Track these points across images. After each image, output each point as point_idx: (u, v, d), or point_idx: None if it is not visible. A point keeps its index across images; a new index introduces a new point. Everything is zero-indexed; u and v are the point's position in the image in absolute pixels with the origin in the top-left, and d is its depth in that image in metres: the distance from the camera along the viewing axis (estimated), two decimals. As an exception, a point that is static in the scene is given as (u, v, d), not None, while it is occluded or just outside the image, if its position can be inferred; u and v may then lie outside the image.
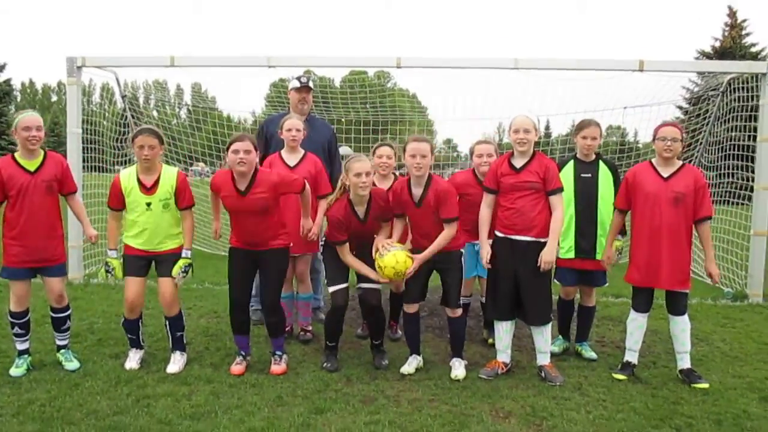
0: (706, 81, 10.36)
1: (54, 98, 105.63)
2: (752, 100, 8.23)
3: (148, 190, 4.78)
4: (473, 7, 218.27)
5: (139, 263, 4.84)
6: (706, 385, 4.61)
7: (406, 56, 7.76)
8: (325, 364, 4.93)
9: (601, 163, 5.22)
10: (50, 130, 69.01)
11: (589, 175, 5.17)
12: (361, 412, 4.04)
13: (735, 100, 8.74)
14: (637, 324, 4.87)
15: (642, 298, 4.85)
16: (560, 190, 4.67)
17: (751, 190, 8.19)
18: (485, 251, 4.82)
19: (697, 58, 35.31)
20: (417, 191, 4.76)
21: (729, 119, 9.06)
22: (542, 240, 4.63)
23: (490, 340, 5.37)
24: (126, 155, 10.17)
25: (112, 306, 6.54)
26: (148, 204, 4.77)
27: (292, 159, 5.56)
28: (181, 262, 4.80)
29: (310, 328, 5.82)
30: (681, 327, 4.77)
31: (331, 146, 6.34)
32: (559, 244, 4.98)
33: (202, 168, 19.10)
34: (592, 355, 5.34)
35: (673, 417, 4.07)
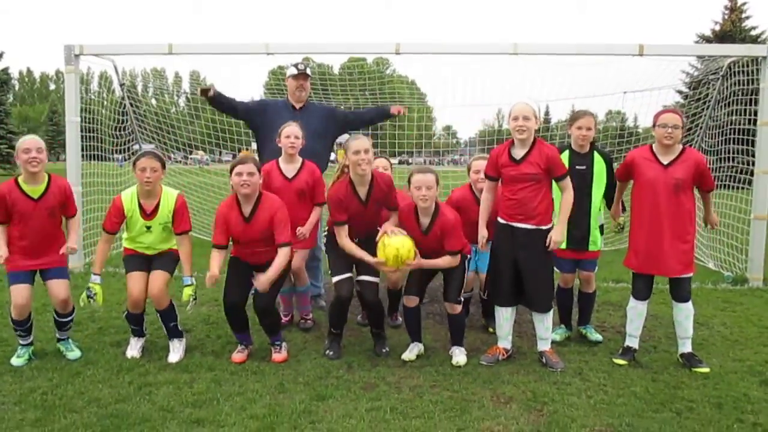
0: (706, 65, 10.31)
1: (52, 87, 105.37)
2: (752, 83, 8.18)
3: (148, 215, 4.82)
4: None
5: (139, 259, 4.89)
6: (706, 369, 4.62)
7: (405, 42, 7.70)
8: (327, 351, 4.94)
9: (596, 154, 5.21)
10: (49, 119, 69.32)
11: (584, 167, 5.17)
12: (362, 399, 4.05)
13: (735, 83, 8.69)
14: (636, 311, 4.87)
15: (641, 285, 4.85)
16: (566, 174, 4.67)
17: (752, 174, 8.17)
18: (482, 234, 4.82)
19: (696, 42, 35.20)
20: (424, 221, 4.76)
21: (729, 103, 9.01)
22: (543, 227, 4.63)
23: (491, 329, 5.39)
24: (125, 143, 10.15)
25: (113, 294, 6.54)
26: (148, 227, 4.84)
27: (290, 170, 5.45)
28: (188, 291, 4.79)
29: (310, 315, 5.83)
30: (684, 314, 4.76)
31: (330, 120, 6.37)
32: None
33: (201, 156, 19.07)
34: (598, 337, 5.37)
35: (674, 401, 4.08)
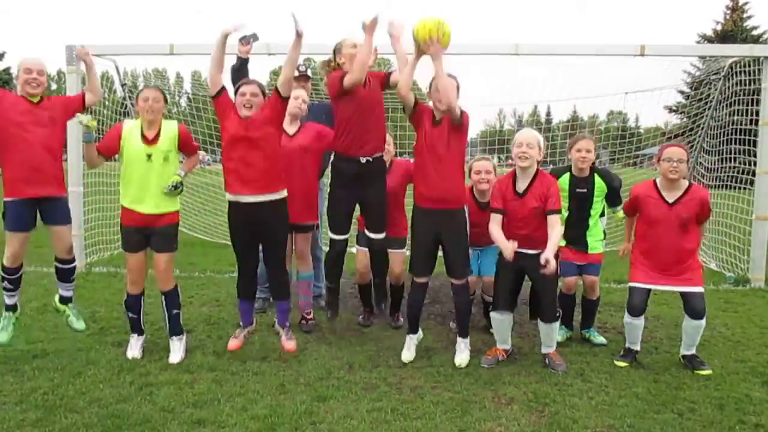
0: (708, 65, 10.31)
1: (54, 87, 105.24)
2: (754, 83, 8.17)
3: (150, 141, 4.74)
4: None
5: (137, 237, 4.79)
6: (709, 372, 4.60)
7: (406, 43, 7.67)
8: (328, 313, 5.23)
9: (596, 177, 5.21)
10: (50, 119, 69.28)
11: (585, 189, 5.19)
12: (363, 400, 4.05)
13: (737, 83, 8.68)
14: (633, 325, 4.83)
15: (636, 300, 4.76)
16: (559, 211, 4.65)
17: (753, 174, 8.15)
18: (509, 248, 4.61)
19: (698, 42, 35.21)
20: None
21: (731, 103, 9.00)
22: None
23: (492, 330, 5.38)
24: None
25: (115, 294, 6.54)
26: (149, 155, 4.71)
27: (291, 128, 5.48)
28: (173, 179, 4.73)
29: (311, 315, 5.82)
30: (695, 329, 4.71)
31: (332, 119, 6.34)
32: None
33: (202, 156, 19.07)
34: (602, 340, 5.35)
35: (675, 402, 4.08)
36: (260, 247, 4.90)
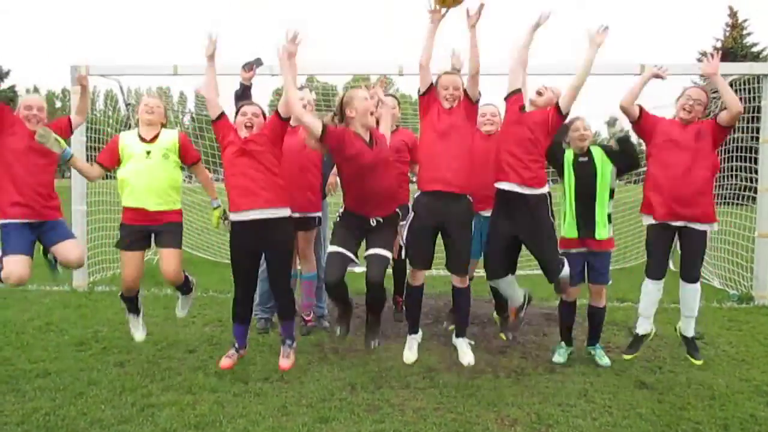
0: (708, 82, 10.31)
1: (58, 104, 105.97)
2: (754, 101, 8.20)
3: (148, 141, 4.82)
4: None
5: (138, 236, 4.83)
6: (700, 362, 4.68)
7: (408, 63, 7.72)
8: (338, 330, 5.10)
9: (591, 147, 5.16)
10: (54, 137, 69.62)
11: (586, 158, 5.14)
12: (365, 421, 4.03)
13: (737, 101, 8.70)
14: (649, 291, 4.83)
15: (655, 262, 4.77)
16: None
17: (755, 191, 8.15)
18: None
19: (698, 59, 35.25)
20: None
21: (732, 120, 9.01)
22: (537, 191, 4.80)
23: (502, 335, 5.66)
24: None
25: (117, 314, 6.53)
26: (148, 152, 4.76)
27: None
28: (216, 213, 4.96)
29: (310, 317, 5.83)
30: (692, 295, 4.76)
31: None
32: (560, 225, 5.08)
33: (205, 175, 19.08)
34: (606, 361, 5.16)
35: (680, 422, 4.05)
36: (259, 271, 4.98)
